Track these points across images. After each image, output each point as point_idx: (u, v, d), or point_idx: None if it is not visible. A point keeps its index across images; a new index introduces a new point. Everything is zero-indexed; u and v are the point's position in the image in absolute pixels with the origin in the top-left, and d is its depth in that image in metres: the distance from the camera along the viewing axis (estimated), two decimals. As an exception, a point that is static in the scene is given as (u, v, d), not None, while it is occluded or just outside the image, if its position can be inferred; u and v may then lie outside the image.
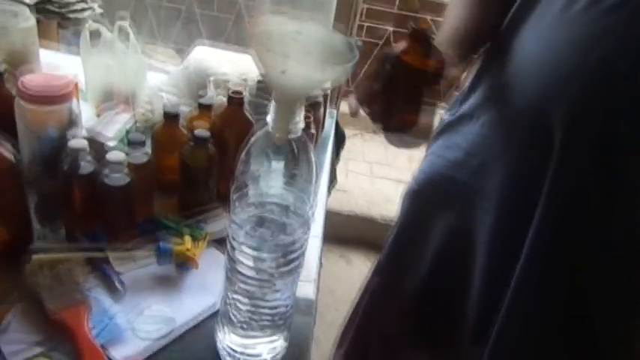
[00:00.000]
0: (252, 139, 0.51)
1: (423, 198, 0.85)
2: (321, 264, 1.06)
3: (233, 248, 0.55)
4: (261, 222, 0.55)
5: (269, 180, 0.54)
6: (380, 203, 2.17)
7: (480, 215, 0.75)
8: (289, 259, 0.55)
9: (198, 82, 1.01)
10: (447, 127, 0.81)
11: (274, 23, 0.49)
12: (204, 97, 0.90)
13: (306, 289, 0.76)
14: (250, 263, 0.55)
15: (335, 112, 1.27)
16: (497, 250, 0.73)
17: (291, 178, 0.54)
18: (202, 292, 0.70)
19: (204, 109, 0.88)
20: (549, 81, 0.64)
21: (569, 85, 0.61)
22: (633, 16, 0.57)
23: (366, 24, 2.45)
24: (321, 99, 0.97)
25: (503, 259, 0.71)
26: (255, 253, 0.54)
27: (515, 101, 0.68)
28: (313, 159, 0.53)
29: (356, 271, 2.01)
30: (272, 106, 0.49)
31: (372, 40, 2.46)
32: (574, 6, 0.61)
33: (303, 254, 0.57)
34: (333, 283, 1.92)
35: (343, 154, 1.32)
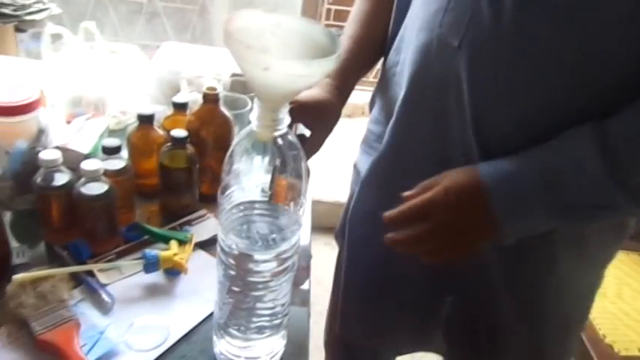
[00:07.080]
0: (236, 139, 0.49)
1: None
2: (310, 255, 1.04)
3: (224, 252, 0.54)
4: (251, 223, 0.54)
5: (257, 179, 0.52)
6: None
7: None
8: (283, 258, 0.54)
9: (169, 81, 0.98)
10: None
11: (250, 18, 0.47)
12: (177, 95, 0.87)
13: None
14: (243, 266, 0.53)
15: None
16: None
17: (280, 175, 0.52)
18: (194, 297, 0.69)
19: (179, 108, 0.85)
20: None
21: None
22: None
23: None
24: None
25: None
26: (247, 256, 0.52)
27: None
28: (302, 154, 0.51)
29: (341, 257, 2.01)
30: (255, 104, 0.47)
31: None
32: None
33: (296, 252, 0.56)
34: (319, 272, 1.91)
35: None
